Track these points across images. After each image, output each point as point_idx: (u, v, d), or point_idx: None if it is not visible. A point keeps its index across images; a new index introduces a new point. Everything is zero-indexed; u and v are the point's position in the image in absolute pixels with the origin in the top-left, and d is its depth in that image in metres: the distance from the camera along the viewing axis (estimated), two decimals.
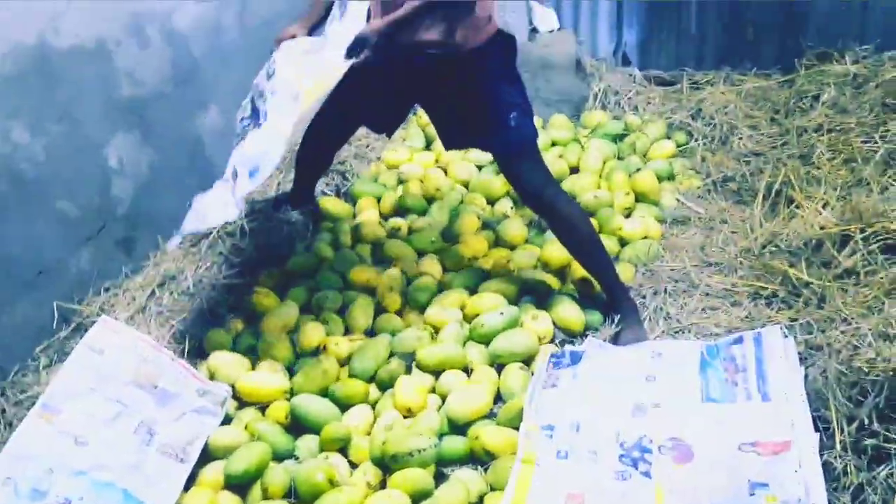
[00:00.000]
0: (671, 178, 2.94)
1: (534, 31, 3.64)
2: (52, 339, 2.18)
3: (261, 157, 1.98)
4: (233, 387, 2.06)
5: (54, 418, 1.75)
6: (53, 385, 1.80)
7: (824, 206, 2.39)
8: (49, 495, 1.66)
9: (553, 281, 2.39)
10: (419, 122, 3.32)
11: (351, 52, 1.95)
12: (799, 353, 1.86)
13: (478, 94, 2.06)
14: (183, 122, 2.68)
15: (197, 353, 2.27)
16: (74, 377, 1.83)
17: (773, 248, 2.35)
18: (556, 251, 2.42)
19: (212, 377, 2.10)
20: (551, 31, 3.63)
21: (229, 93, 2.87)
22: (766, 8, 3.46)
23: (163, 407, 1.90)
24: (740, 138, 2.98)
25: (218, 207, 2.05)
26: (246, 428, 1.94)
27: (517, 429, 1.82)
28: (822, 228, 2.25)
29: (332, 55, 2.00)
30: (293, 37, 2.19)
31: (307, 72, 2.04)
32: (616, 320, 2.17)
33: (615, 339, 2.13)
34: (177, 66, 2.63)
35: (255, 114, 2.10)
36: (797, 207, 2.46)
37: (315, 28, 2.23)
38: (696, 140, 3.11)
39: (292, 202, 2.75)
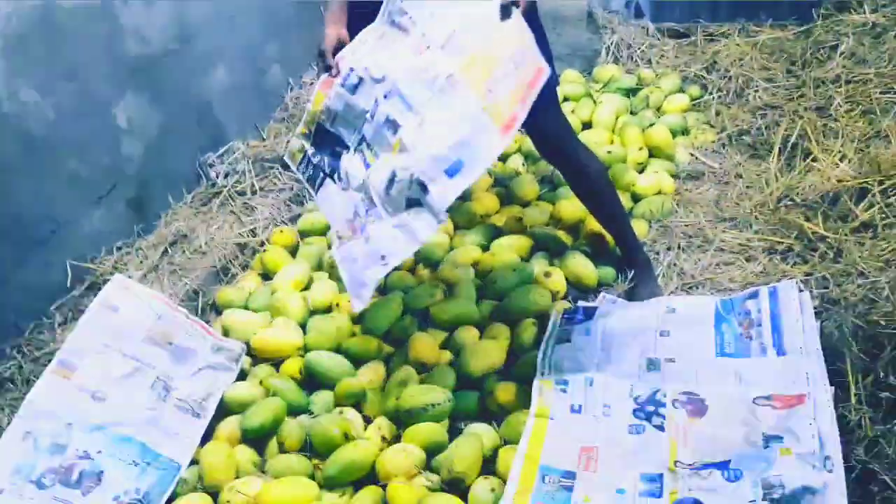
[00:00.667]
0: (685, 132, 2.89)
1: None
2: (66, 297, 2.19)
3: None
4: (247, 343, 2.07)
5: (71, 374, 1.77)
6: (69, 342, 1.82)
7: (841, 159, 2.35)
8: (68, 449, 1.69)
9: (566, 237, 2.37)
10: None
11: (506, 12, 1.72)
12: (814, 308, 1.85)
13: None
14: (190, 81, 2.66)
15: (210, 310, 2.29)
16: (90, 334, 1.84)
17: (789, 203, 2.32)
18: (568, 207, 2.40)
19: (226, 334, 2.12)
20: None
21: (236, 51, 2.86)
22: None
23: (178, 363, 1.91)
24: (756, 91, 2.92)
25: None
26: (261, 383, 1.95)
27: (530, 384, 1.83)
28: (839, 181, 2.22)
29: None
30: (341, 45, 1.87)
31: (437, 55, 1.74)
32: (630, 276, 2.16)
33: (630, 296, 2.12)
34: (183, 25, 2.59)
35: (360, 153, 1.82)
36: (814, 161, 2.42)
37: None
38: (711, 93, 3.05)
39: None
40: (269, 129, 3.01)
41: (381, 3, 1.81)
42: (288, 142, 2.91)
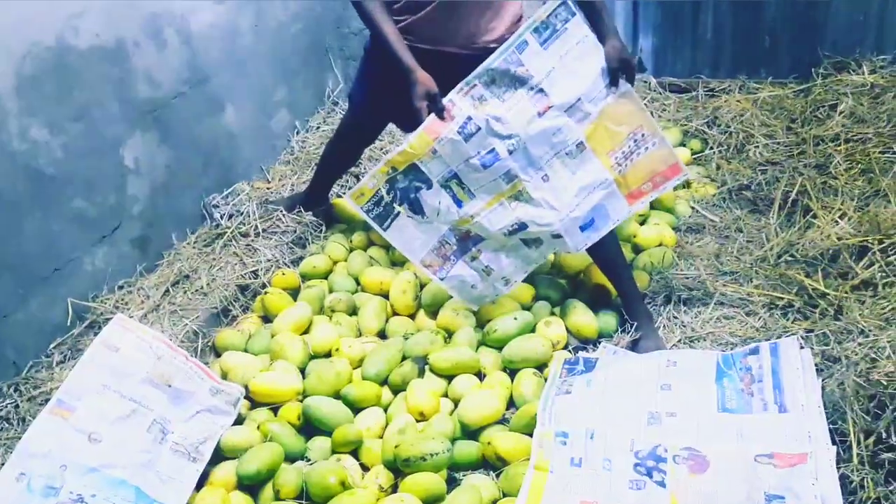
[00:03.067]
0: (686, 185, 2.93)
1: None
2: (66, 335, 2.18)
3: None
4: (245, 387, 2.05)
5: (69, 415, 1.75)
6: (68, 382, 1.80)
7: (841, 217, 2.38)
8: (62, 492, 1.66)
9: (567, 286, 2.38)
10: None
11: (615, 78, 1.98)
12: (815, 365, 1.85)
13: None
14: (198, 123, 2.69)
15: (209, 352, 2.28)
16: (89, 374, 1.82)
17: (789, 258, 2.33)
18: (571, 256, 2.42)
19: (224, 377, 2.11)
20: None
21: (245, 95, 2.90)
22: (783, 16, 3.45)
23: (176, 405, 1.90)
24: (756, 147, 2.97)
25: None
26: (258, 428, 1.94)
27: (530, 435, 1.82)
28: (839, 239, 2.24)
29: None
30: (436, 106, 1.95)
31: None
32: (633, 328, 2.16)
33: (633, 347, 2.12)
34: (193, 68, 2.63)
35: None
36: (813, 217, 2.44)
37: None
38: (712, 148, 3.10)
39: (306, 204, 2.76)
40: (274, 172, 3.03)
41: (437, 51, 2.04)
42: (293, 185, 2.94)
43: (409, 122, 2.43)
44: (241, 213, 2.71)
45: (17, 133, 2.02)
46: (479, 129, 1.93)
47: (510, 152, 1.95)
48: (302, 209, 2.74)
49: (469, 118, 1.93)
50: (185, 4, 2.57)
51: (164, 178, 2.53)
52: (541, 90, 1.94)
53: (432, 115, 1.92)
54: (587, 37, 1.95)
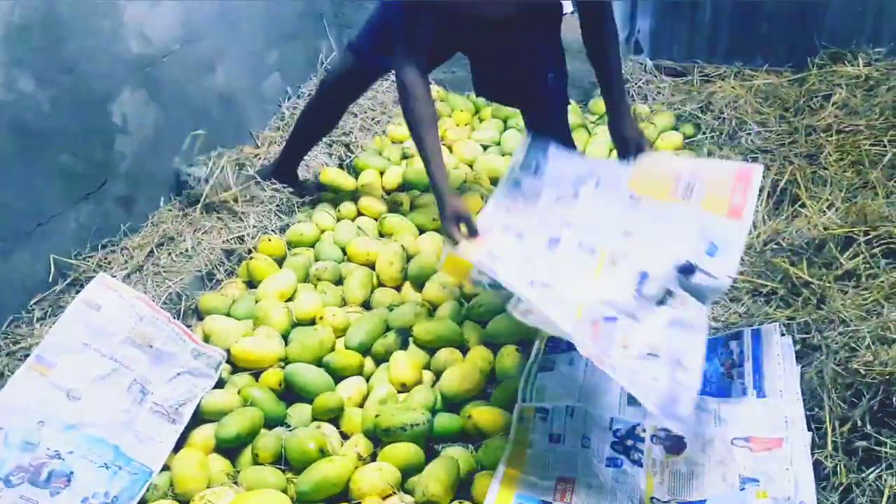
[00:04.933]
0: None
1: None
2: (47, 292, 2.15)
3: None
4: (227, 351, 2.05)
5: (48, 371, 1.74)
6: (48, 338, 1.79)
7: (829, 207, 2.39)
8: (39, 447, 1.66)
9: None
10: None
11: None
12: (795, 353, 1.86)
13: (526, 50, 2.09)
14: (189, 83, 2.65)
15: (192, 315, 2.27)
16: (69, 331, 1.81)
17: (775, 246, 2.34)
18: None
19: (206, 340, 2.10)
20: (564, 14, 3.60)
21: (236, 56, 2.86)
22: (781, 3, 3.44)
23: (157, 366, 1.89)
24: (748, 134, 2.96)
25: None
26: (239, 392, 1.94)
27: (510, 410, 1.83)
28: (825, 229, 2.25)
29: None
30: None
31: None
32: None
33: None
34: (186, 26, 2.59)
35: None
36: (802, 206, 2.45)
37: None
38: (704, 133, 3.09)
39: (278, 174, 2.72)
40: (263, 137, 3.00)
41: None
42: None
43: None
44: (229, 178, 2.67)
45: (4, 83, 1.98)
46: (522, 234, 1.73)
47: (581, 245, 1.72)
48: (275, 179, 2.71)
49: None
50: None
51: (153, 137, 2.49)
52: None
53: (464, 241, 1.72)
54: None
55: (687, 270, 1.65)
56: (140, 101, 2.43)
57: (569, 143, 2.18)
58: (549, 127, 2.17)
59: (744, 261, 2.32)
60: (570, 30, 3.43)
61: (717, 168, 1.89)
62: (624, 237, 1.71)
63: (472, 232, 1.73)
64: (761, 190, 2.64)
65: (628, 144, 1.93)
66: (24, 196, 2.08)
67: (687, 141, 3.10)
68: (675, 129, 3.16)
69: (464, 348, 2.10)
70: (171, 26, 2.53)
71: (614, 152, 2.90)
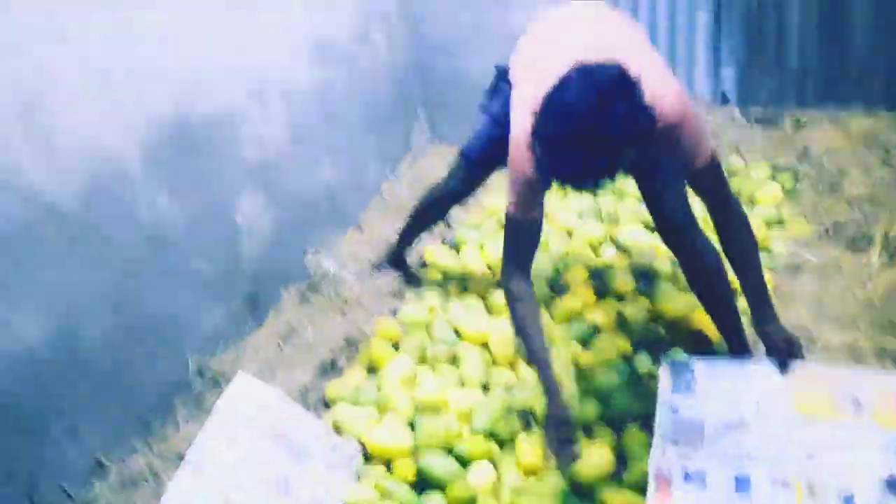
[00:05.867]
0: (780, 223, 2.89)
1: None
2: (188, 392, 2.30)
3: None
4: (359, 441, 2.13)
5: (200, 474, 1.86)
6: (198, 442, 1.91)
7: None
8: None
9: (667, 335, 2.39)
10: None
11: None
12: None
13: None
14: (299, 180, 2.81)
15: (319, 404, 2.37)
16: (217, 433, 1.93)
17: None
18: (670, 303, 2.43)
19: (337, 430, 2.19)
20: None
21: (338, 149, 3.02)
22: (873, 43, 3.37)
23: (298, 462, 1.99)
24: (852, 182, 2.91)
25: None
26: (375, 487, 2.01)
27: (643, 491, 1.83)
28: None
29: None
30: None
31: None
32: None
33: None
34: (294, 128, 2.76)
35: None
36: None
37: None
38: (804, 183, 3.05)
39: (392, 259, 2.83)
40: (367, 222, 3.14)
41: None
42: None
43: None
44: (340, 265, 2.81)
45: (146, 203, 2.16)
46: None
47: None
48: (388, 265, 2.83)
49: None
50: (286, 69, 2.70)
51: (271, 235, 2.65)
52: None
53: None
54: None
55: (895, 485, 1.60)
56: (258, 203, 2.59)
57: (686, 215, 2.13)
58: (664, 196, 2.10)
59: (864, 318, 2.28)
60: None
61: (878, 379, 1.78)
62: (810, 461, 1.66)
63: (568, 440, 1.74)
64: (872, 240, 2.59)
65: (778, 350, 1.82)
66: (163, 303, 2.25)
67: (786, 192, 3.06)
68: (773, 179, 3.13)
69: (587, 428, 2.12)
70: (281, 129, 2.70)
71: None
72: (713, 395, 1.80)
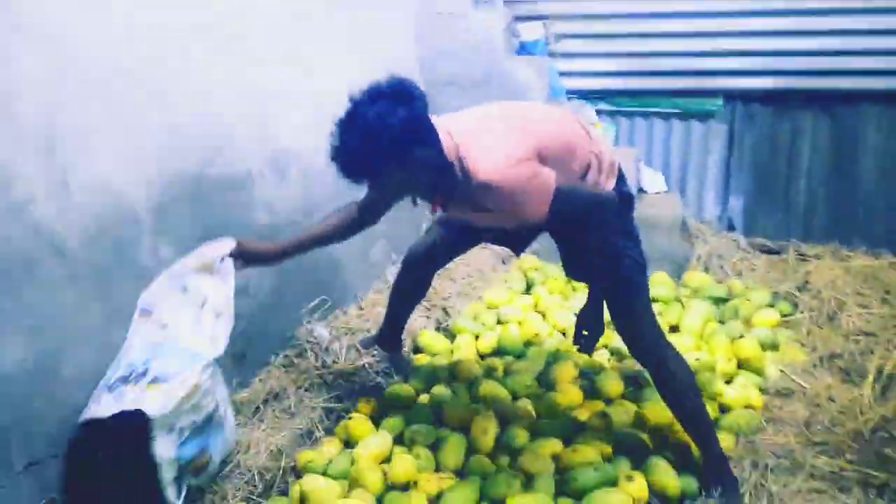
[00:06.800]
0: (775, 347, 2.89)
1: (641, 191, 3.77)
2: None
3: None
4: None
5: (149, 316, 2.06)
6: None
7: None
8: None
9: (650, 441, 2.36)
10: (521, 265, 3.43)
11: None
12: None
13: (596, 243, 2.10)
14: None
15: (290, 472, 2.33)
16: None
17: (885, 435, 2.25)
18: (655, 410, 2.40)
19: (302, 501, 2.14)
20: (658, 193, 3.75)
21: None
22: (877, 188, 3.48)
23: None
24: (849, 315, 2.93)
25: None
26: None
27: None
28: None
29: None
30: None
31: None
32: (718, 492, 2.11)
33: None
34: (307, 199, 2.85)
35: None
36: None
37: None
38: (802, 312, 3.07)
39: (381, 340, 2.81)
40: (367, 300, 3.17)
41: None
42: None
43: (509, 241, 2.45)
44: (333, 338, 2.82)
45: (149, 250, 2.22)
46: None
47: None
48: (378, 347, 2.82)
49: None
50: (309, 145, 2.82)
51: (269, 298, 2.68)
52: None
53: None
54: None
55: None
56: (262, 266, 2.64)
57: (655, 334, 2.18)
58: (629, 317, 2.18)
59: (851, 448, 2.24)
60: (662, 208, 3.58)
61: None
62: None
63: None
64: (866, 373, 2.58)
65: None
66: None
67: (784, 318, 3.08)
68: (771, 306, 3.15)
69: None
70: (294, 200, 2.79)
71: (710, 325, 2.94)
72: None
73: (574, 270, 2.32)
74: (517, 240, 2.44)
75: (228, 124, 2.48)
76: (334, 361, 2.70)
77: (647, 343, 2.17)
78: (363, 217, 2.34)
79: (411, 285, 2.73)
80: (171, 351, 2.00)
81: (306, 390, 2.62)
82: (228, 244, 2.16)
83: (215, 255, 2.14)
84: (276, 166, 2.70)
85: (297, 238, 2.30)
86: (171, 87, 2.25)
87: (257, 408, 2.49)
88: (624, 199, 2.16)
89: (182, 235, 2.32)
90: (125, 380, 1.93)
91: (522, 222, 2.04)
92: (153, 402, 1.87)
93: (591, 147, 2.09)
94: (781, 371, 2.73)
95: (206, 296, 2.11)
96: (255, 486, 2.19)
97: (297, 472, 2.33)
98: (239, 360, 2.57)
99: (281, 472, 2.27)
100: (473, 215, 2.09)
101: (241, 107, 2.52)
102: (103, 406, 1.87)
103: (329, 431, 2.52)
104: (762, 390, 2.64)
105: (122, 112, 2.10)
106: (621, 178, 2.17)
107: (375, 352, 2.80)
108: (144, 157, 2.18)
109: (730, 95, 3.70)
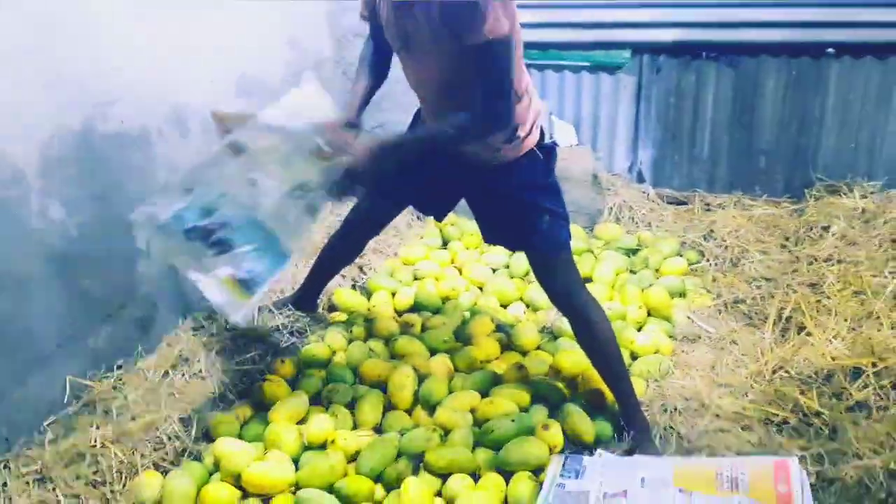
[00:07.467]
0: (682, 295, 2.99)
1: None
2: (60, 413, 2.16)
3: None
4: (238, 476, 2.03)
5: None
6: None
7: (835, 337, 2.43)
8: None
9: (565, 389, 2.40)
10: (436, 222, 3.41)
11: (338, 190, 1.94)
12: (811, 485, 1.85)
13: (513, 199, 2.13)
14: None
15: (204, 437, 2.26)
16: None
17: (784, 374, 2.37)
18: (569, 359, 2.44)
19: (216, 464, 2.09)
20: (570, 146, 3.77)
21: None
22: (776, 139, 3.61)
23: None
24: (751, 262, 3.05)
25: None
26: None
27: None
28: (833, 359, 2.28)
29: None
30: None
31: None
32: (630, 436, 2.17)
33: (628, 455, 2.11)
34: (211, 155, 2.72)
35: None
36: (808, 335, 2.49)
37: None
38: (708, 260, 3.18)
39: (297, 302, 2.77)
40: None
41: None
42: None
43: (430, 207, 2.47)
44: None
45: (37, 212, 2.07)
46: None
47: None
48: (291, 307, 2.76)
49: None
50: (209, 97, 2.68)
51: None
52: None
53: None
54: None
55: None
56: None
57: (576, 285, 2.21)
58: (550, 271, 2.21)
59: (753, 388, 2.35)
60: (574, 161, 3.60)
61: (754, 461, 1.92)
62: None
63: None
64: (767, 316, 2.69)
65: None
66: (44, 319, 2.13)
67: (691, 266, 3.18)
68: (679, 255, 3.24)
69: (475, 475, 2.08)
70: (198, 156, 2.65)
71: (621, 275, 3.01)
72: (599, 478, 1.89)
73: (490, 233, 2.31)
74: (440, 206, 2.43)
75: (123, 79, 2.32)
76: (248, 324, 2.62)
77: (573, 296, 2.19)
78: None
79: (346, 252, 2.70)
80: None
81: (217, 353, 2.53)
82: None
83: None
84: (175, 122, 2.56)
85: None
86: (59, 38, 2.08)
87: (166, 372, 2.39)
88: (545, 151, 2.16)
89: (73, 196, 2.17)
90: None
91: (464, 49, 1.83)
92: None
93: (529, 79, 2.09)
94: (689, 317, 2.82)
95: None
96: (166, 453, 2.12)
97: (211, 438, 2.26)
98: (143, 326, 2.46)
99: (193, 438, 2.20)
100: (423, 60, 1.97)
101: (137, 60, 2.36)
102: None
103: (243, 395, 2.45)
104: (671, 336, 2.72)
105: (1, 61, 1.93)
106: (542, 132, 2.17)
107: (289, 312, 2.74)
108: (32, 111, 2.02)
109: (638, 48, 3.73)
